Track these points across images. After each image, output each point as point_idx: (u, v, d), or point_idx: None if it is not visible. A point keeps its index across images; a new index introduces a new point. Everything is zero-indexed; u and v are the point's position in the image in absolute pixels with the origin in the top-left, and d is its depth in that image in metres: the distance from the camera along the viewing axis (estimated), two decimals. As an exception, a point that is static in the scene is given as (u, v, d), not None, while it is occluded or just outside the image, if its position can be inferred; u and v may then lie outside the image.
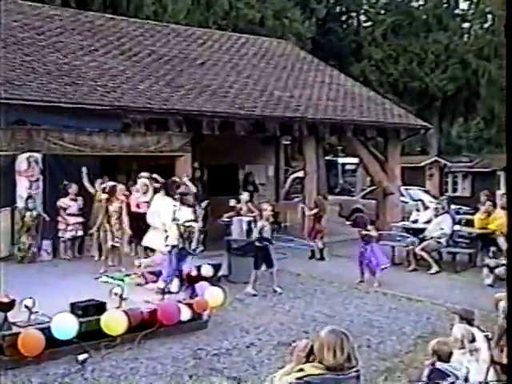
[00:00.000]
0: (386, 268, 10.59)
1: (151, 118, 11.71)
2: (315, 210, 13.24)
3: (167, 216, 8.73)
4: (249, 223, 11.03)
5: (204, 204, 11.58)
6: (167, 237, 8.64)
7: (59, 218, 11.12)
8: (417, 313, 8.76)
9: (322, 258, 13.06)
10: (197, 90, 13.40)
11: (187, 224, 8.51)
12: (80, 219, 11.16)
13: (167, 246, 8.64)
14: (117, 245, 10.14)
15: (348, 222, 11.11)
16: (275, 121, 13.67)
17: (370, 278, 10.57)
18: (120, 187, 10.38)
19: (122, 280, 8.82)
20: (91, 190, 10.89)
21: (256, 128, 13.31)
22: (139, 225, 10.40)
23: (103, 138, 11.28)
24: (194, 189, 11.00)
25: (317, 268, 12.03)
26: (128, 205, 10.45)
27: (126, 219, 10.17)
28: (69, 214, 11.10)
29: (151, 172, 11.30)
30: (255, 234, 9.98)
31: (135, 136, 11.69)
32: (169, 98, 12.43)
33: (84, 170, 10.68)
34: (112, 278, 9.05)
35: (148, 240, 9.40)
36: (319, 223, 13.20)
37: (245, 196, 13.31)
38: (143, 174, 11.06)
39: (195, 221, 8.74)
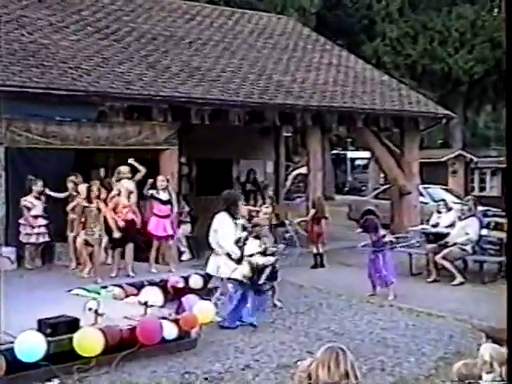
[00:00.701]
0: (390, 282, 10.60)
1: (131, 105, 11.71)
2: (313, 211, 13.30)
3: (226, 242, 8.80)
4: (245, 227, 11.02)
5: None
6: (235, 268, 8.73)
7: (21, 221, 11.05)
8: (438, 330, 8.78)
9: (321, 265, 13.10)
10: (184, 74, 13.41)
11: (256, 261, 8.56)
12: (45, 221, 11.09)
13: (230, 279, 8.78)
14: (90, 249, 10.18)
15: (359, 230, 11.10)
16: (275, 109, 13.70)
17: (383, 290, 10.59)
18: (95, 187, 10.38)
19: (98, 293, 8.83)
20: (61, 195, 10.93)
21: (252, 117, 13.33)
22: (124, 233, 10.43)
23: (76, 128, 11.28)
24: (173, 195, 11.04)
25: (322, 278, 12.06)
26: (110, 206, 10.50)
27: (111, 222, 10.24)
28: (34, 216, 11.06)
29: (133, 169, 11.31)
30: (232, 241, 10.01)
31: (113, 126, 11.69)
32: (152, 82, 12.44)
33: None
34: (86, 290, 9.05)
35: (210, 267, 9.21)
36: (318, 225, 13.25)
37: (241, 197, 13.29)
38: (123, 168, 11.06)
39: (270, 254, 8.73)
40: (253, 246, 8.80)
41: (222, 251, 8.91)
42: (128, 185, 10.76)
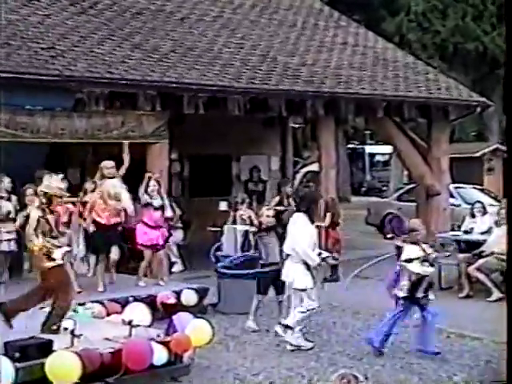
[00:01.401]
0: None
1: (113, 92, 11.73)
2: (329, 215, 13.30)
3: (302, 247, 8.82)
4: (246, 233, 11.06)
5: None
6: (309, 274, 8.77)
7: None
8: (472, 354, 8.78)
9: (334, 279, 13.09)
10: (175, 55, 13.43)
11: (413, 269, 8.53)
12: (13, 227, 10.86)
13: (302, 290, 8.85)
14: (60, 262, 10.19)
15: (389, 236, 11.11)
16: (280, 96, 13.71)
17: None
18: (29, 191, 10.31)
19: (75, 311, 8.84)
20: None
21: (255, 106, 13.34)
22: (103, 239, 10.46)
23: (48, 119, 11.29)
24: (166, 201, 11.11)
25: (336, 293, 12.05)
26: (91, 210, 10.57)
27: (88, 220, 10.30)
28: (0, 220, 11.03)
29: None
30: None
31: (92, 117, 11.71)
32: (137, 65, 12.46)
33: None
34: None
35: (287, 275, 9.19)
36: (334, 231, 13.25)
37: (241, 197, 13.36)
38: (107, 163, 11.08)
39: (430, 263, 8.71)
40: (412, 250, 8.75)
41: (297, 258, 8.90)
42: (113, 185, 10.73)
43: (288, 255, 9.08)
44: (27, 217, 8.69)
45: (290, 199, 14.36)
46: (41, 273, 8.13)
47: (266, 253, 9.91)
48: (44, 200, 8.04)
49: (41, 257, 7.98)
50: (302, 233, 8.88)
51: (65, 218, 10.27)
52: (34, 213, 8.04)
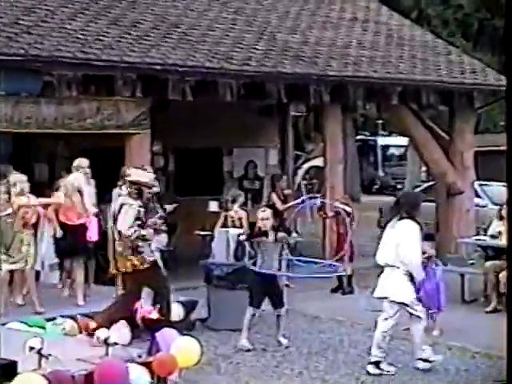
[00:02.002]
0: (439, 311, 10.60)
1: (87, 74, 11.73)
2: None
3: (413, 259, 8.83)
4: (239, 237, 11.05)
5: (170, 208, 11.61)
6: None
7: None
8: (500, 376, 8.77)
9: (349, 291, 13.09)
10: (158, 33, 13.44)
11: None
12: None
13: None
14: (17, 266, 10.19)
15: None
16: (280, 80, 13.72)
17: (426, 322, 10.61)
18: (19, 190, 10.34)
19: (43, 327, 8.83)
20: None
21: (250, 91, 13.36)
22: (71, 242, 10.44)
23: (12, 105, 11.30)
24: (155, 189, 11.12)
25: (344, 307, 12.07)
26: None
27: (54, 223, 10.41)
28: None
29: (88, 159, 11.32)
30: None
31: (63, 103, 11.72)
32: (114, 43, 12.46)
33: None
34: (26, 324, 9.05)
35: (385, 290, 9.13)
36: (347, 235, 13.21)
37: (232, 194, 13.34)
38: (81, 161, 11.08)
39: None
40: None
41: (402, 269, 8.90)
42: (77, 179, 10.73)
43: (383, 265, 9.09)
44: None
45: (289, 195, 14.41)
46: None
47: (261, 260, 9.89)
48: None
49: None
50: (412, 243, 8.87)
51: (33, 219, 10.30)
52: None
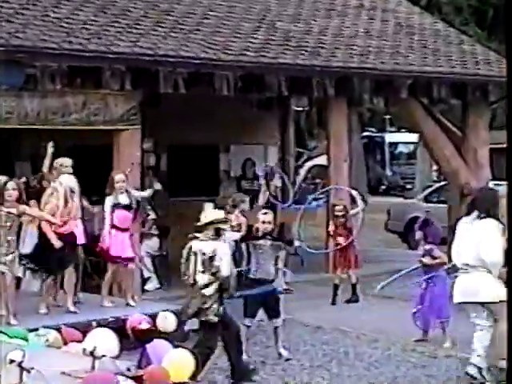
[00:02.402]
0: (446, 321, 10.72)
1: (73, 66, 11.74)
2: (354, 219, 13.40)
3: (495, 258, 8.87)
4: (236, 242, 11.14)
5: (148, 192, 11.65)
6: None
7: None
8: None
9: (354, 300, 13.19)
10: (149, 21, 13.47)
11: None
12: None
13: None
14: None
15: (418, 237, 11.16)
16: (280, 71, 13.77)
17: (437, 333, 10.74)
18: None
19: (24, 338, 8.89)
20: None
21: (248, 84, 13.39)
22: (65, 253, 10.54)
23: (-9, 99, 11.33)
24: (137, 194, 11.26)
25: (349, 317, 12.13)
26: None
27: (47, 231, 10.45)
28: None
29: (72, 157, 11.41)
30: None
31: (46, 97, 11.76)
32: (102, 32, 12.49)
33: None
34: (6, 335, 9.12)
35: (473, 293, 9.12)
36: (353, 240, 13.31)
37: (236, 198, 13.43)
38: (63, 160, 11.18)
39: None
40: None
41: (483, 268, 8.96)
42: (68, 182, 10.86)
43: (463, 267, 9.18)
44: None
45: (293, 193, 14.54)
46: None
47: (257, 265, 10.00)
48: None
49: None
50: (495, 242, 8.92)
51: (8, 223, 10.36)
52: None
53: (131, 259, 11.50)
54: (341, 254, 13.37)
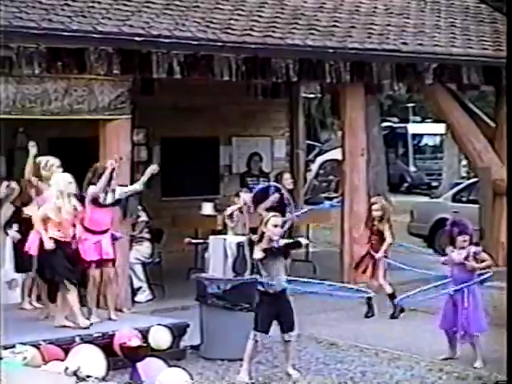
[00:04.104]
0: (478, 338, 10.63)
1: (53, 47, 11.71)
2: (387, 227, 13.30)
3: None
4: (239, 247, 11.06)
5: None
6: None
7: None
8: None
9: (398, 312, 13.08)
10: (140, -5, 13.44)
11: None
12: None
13: None
14: None
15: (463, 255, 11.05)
16: (288, 54, 13.72)
17: (466, 350, 10.63)
18: None
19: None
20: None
21: (252, 68, 13.35)
22: (68, 263, 10.50)
23: (-39, 85, 11.31)
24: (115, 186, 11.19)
25: (367, 331, 12.09)
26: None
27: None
28: None
29: (55, 151, 11.34)
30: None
31: (23, 82, 11.71)
32: (86, 9, 12.43)
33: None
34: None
35: None
36: (381, 245, 13.25)
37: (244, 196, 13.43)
38: (54, 160, 11.13)
39: None
40: None
41: None
42: (65, 180, 10.76)
43: None
44: None
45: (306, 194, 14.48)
46: None
47: (268, 275, 9.89)
48: None
49: None
50: None
51: None
52: None
53: (111, 262, 11.37)
54: (372, 259, 13.29)
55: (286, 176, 15.43)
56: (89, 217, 11.18)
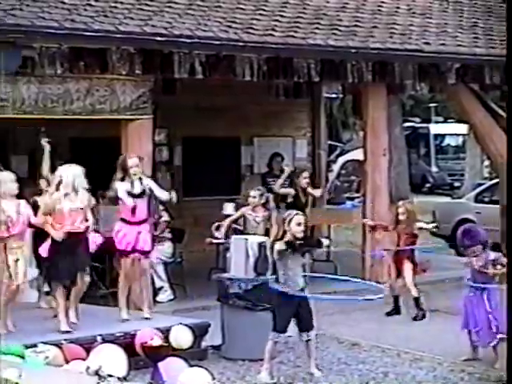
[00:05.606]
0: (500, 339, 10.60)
1: (75, 47, 11.76)
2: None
3: None
4: (261, 247, 11.07)
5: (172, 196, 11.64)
6: None
7: None
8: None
9: (421, 316, 13.06)
10: (162, -4, 13.46)
11: None
12: None
13: None
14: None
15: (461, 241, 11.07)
16: (310, 54, 13.73)
17: (489, 351, 10.60)
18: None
19: (21, 356, 8.87)
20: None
21: (274, 68, 13.36)
22: (81, 256, 10.52)
23: (-17, 86, 11.36)
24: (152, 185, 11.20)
25: (388, 332, 12.07)
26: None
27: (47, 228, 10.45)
28: None
29: (76, 151, 11.37)
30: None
31: (45, 82, 11.75)
32: (109, 9, 12.48)
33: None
34: (1, 351, 9.09)
35: None
36: (408, 246, 13.23)
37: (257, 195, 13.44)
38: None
39: None
40: None
41: None
42: (75, 174, 10.76)
43: None
44: None
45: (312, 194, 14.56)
46: None
47: (285, 275, 9.90)
48: None
49: None
50: None
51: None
52: None
53: (147, 254, 11.38)
54: (401, 260, 13.33)
55: (305, 175, 15.46)
56: (126, 208, 11.23)
